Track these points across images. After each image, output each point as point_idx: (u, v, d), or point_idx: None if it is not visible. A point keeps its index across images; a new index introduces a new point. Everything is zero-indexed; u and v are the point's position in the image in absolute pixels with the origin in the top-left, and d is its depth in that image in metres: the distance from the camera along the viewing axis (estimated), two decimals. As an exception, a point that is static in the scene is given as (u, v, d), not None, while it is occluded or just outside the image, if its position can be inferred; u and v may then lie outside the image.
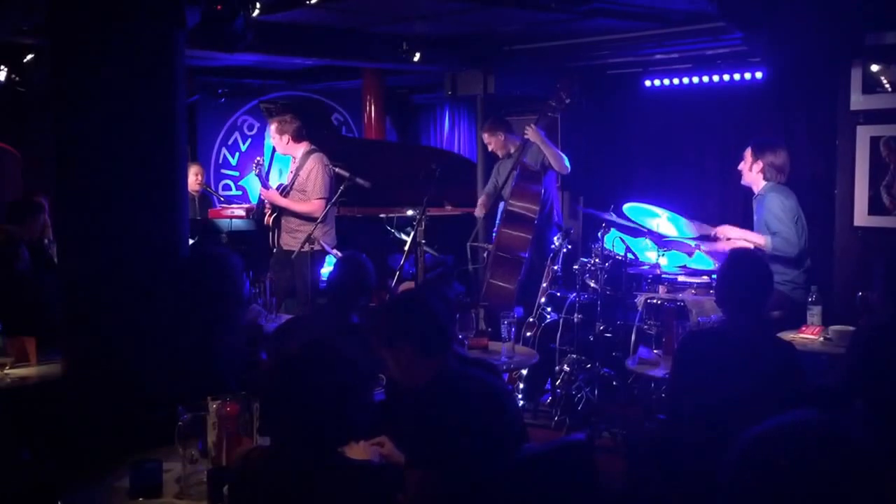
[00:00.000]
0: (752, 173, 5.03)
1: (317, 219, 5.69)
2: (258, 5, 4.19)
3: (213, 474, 2.45)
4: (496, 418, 2.67)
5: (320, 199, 5.73)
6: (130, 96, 3.41)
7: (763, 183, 5.00)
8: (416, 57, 6.07)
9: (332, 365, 2.16)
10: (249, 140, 9.39)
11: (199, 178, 7.30)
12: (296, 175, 5.84)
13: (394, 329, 2.75)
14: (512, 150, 6.03)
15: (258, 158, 6.15)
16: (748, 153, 5.08)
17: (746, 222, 5.29)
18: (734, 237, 5.00)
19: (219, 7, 3.87)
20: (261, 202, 6.34)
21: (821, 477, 1.28)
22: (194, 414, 2.63)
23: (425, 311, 2.78)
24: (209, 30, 3.88)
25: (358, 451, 2.70)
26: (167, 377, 3.23)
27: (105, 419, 3.38)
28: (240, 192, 9.35)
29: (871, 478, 1.30)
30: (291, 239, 5.81)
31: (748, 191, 5.22)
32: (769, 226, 4.88)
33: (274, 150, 6.19)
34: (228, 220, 7.13)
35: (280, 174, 7.33)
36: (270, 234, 6.01)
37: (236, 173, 9.40)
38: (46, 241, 5.35)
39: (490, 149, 6.18)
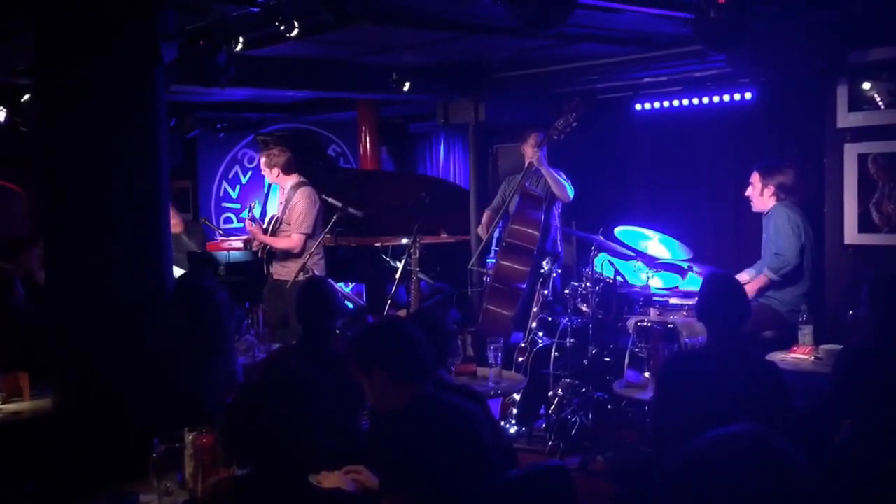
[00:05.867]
0: (764, 197, 5.08)
1: (297, 255, 5.73)
2: (241, 40, 4.26)
3: (188, 506, 2.47)
4: (468, 445, 2.67)
5: (301, 234, 5.76)
6: (112, 132, 3.48)
7: (774, 204, 5.04)
8: (406, 87, 6.12)
9: (292, 393, 2.16)
10: (250, 173, 9.49)
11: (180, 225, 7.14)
12: (285, 208, 5.90)
13: (367, 354, 2.78)
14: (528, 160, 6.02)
15: (251, 204, 6.23)
16: (756, 178, 5.09)
17: (739, 243, 5.30)
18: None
19: (201, 42, 3.94)
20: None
21: (751, 492, 1.28)
22: (169, 446, 2.65)
23: (400, 338, 2.80)
24: (191, 64, 3.96)
25: (332, 479, 2.71)
26: (156, 410, 3.25)
27: (95, 452, 3.41)
28: (241, 225, 9.40)
29: (801, 493, 1.29)
30: (282, 269, 5.86)
31: (741, 212, 5.23)
32: (774, 244, 4.94)
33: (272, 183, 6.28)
34: (226, 252, 7.19)
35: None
36: (265, 264, 6.07)
37: (237, 206, 9.48)
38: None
39: (524, 150, 5.96)
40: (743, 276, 5.02)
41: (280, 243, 5.81)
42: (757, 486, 1.28)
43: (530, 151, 5.84)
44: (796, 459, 1.30)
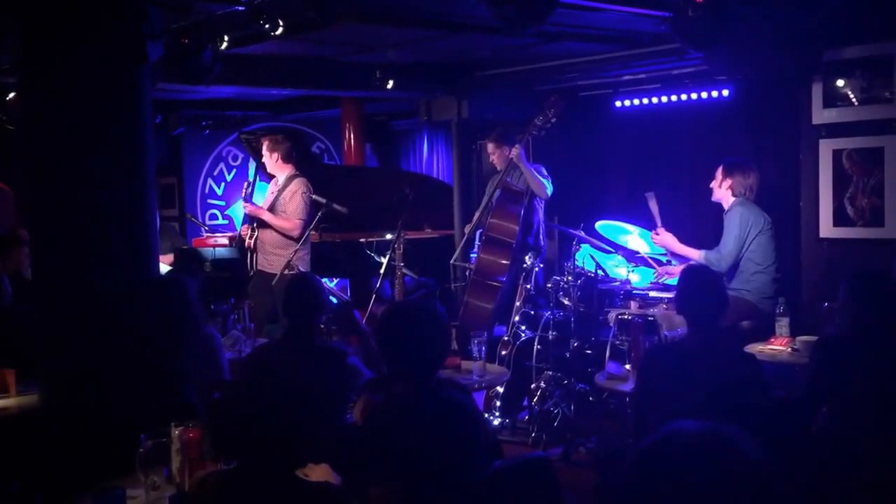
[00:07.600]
0: (722, 190, 5.23)
1: (294, 240, 5.77)
2: (226, 38, 4.29)
3: (175, 500, 2.50)
4: (462, 438, 2.72)
5: (300, 220, 5.81)
6: (98, 129, 3.50)
7: (732, 199, 5.15)
8: (390, 84, 6.17)
9: (278, 388, 2.19)
10: (234, 170, 9.50)
11: None
12: (277, 196, 5.93)
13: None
14: (499, 168, 6.08)
15: (248, 181, 6.26)
16: (720, 171, 5.24)
17: (717, 237, 5.38)
18: (669, 247, 5.37)
19: (185, 41, 3.98)
20: (242, 226, 6.42)
21: (709, 487, 1.29)
22: (156, 441, 2.68)
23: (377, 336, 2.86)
24: (177, 63, 3.99)
25: (320, 472, 2.75)
26: (139, 404, 3.28)
27: (82, 448, 3.44)
28: (226, 222, 9.44)
29: (759, 488, 1.31)
30: (266, 262, 5.89)
31: (720, 207, 5.33)
32: (723, 240, 5.12)
33: (256, 174, 6.31)
34: (212, 248, 7.22)
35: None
36: (249, 257, 6.09)
37: (222, 203, 9.50)
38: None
39: (491, 160, 6.12)
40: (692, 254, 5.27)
41: (282, 222, 5.83)
42: (712, 483, 1.29)
43: (496, 157, 5.95)
44: (757, 457, 1.31)
